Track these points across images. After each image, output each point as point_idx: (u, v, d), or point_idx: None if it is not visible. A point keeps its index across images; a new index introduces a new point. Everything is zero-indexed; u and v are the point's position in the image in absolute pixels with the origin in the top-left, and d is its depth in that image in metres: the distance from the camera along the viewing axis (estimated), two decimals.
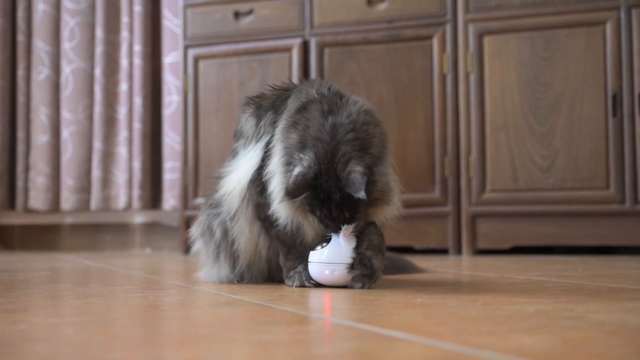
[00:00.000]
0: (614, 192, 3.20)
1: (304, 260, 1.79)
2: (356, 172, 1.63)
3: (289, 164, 1.71)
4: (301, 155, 1.68)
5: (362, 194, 1.61)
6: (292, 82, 1.94)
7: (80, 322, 1.23)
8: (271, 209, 1.76)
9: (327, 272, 1.72)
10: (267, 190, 1.78)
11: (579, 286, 1.75)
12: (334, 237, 1.73)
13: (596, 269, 2.37)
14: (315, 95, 1.77)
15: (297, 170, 1.67)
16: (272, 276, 1.93)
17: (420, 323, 1.16)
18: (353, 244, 1.72)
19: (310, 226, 1.76)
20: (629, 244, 3.23)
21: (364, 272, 1.71)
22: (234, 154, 1.94)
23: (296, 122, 1.74)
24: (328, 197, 1.66)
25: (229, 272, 1.90)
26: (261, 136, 1.86)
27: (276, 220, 1.77)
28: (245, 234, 1.85)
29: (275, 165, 1.75)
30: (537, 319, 1.19)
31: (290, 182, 1.66)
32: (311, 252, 1.75)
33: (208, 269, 1.96)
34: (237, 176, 1.86)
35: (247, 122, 1.91)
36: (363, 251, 1.73)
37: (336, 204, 1.66)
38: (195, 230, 2.00)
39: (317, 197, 1.67)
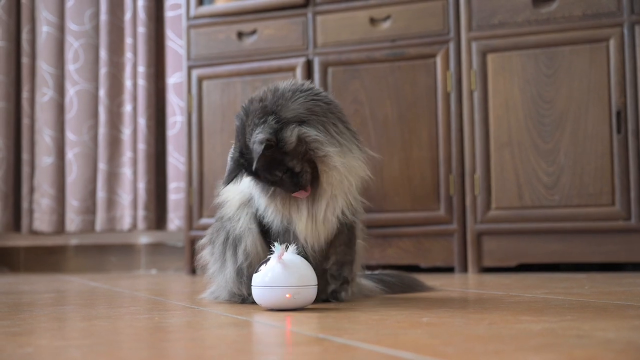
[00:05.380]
0: (619, 208, 3.20)
1: None
2: (255, 143, 1.71)
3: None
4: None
5: (255, 164, 1.69)
6: None
7: (87, 345, 1.23)
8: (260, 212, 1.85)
9: (288, 295, 1.66)
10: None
11: (585, 304, 1.74)
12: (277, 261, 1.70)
13: (603, 286, 2.36)
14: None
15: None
16: None
17: (427, 343, 1.15)
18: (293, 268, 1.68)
19: (299, 219, 1.80)
20: (635, 261, 3.21)
21: (336, 285, 1.86)
22: None
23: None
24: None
25: (232, 268, 1.89)
26: None
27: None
28: (252, 233, 1.87)
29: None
30: (544, 337, 1.18)
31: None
32: (255, 275, 1.71)
33: (215, 276, 1.97)
34: (237, 187, 1.90)
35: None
36: (329, 268, 1.86)
37: (265, 169, 1.73)
38: (204, 239, 2.04)
39: (250, 172, 1.76)
